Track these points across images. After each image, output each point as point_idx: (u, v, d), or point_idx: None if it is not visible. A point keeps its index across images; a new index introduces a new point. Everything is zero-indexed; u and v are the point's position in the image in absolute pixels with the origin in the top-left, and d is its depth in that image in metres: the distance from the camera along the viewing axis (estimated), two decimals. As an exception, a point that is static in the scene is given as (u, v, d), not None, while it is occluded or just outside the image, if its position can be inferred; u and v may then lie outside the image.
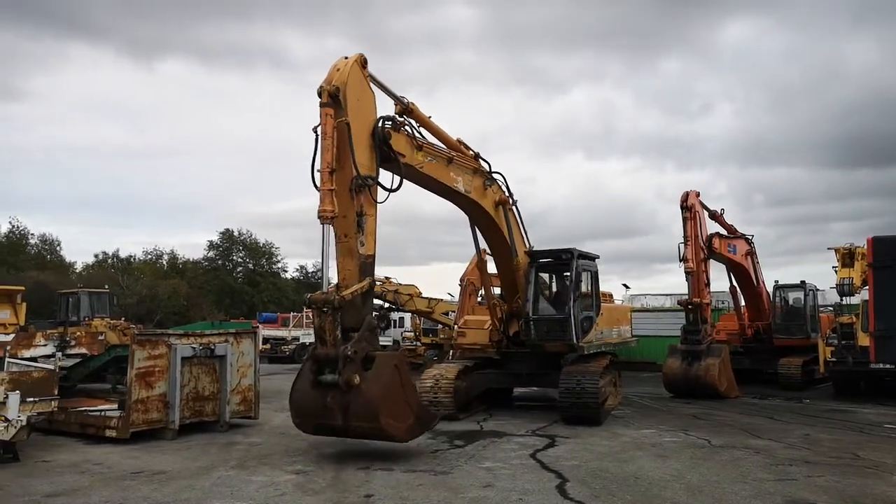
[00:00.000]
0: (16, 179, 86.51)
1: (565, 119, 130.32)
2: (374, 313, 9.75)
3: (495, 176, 12.65)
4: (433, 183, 11.13)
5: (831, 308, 21.14)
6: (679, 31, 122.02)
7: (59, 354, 14.12)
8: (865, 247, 15.65)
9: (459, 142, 11.91)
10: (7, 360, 12.17)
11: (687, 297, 16.71)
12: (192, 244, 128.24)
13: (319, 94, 8.86)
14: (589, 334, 13.66)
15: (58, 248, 60.72)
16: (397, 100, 10.46)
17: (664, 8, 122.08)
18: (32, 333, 15.90)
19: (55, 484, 7.93)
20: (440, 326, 23.97)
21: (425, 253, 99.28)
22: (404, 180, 9.95)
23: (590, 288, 14.30)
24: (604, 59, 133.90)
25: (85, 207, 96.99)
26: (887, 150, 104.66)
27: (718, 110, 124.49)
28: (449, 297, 24.09)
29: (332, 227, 8.85)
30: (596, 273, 14.65)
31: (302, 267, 71.04)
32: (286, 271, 68.93)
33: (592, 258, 14.57)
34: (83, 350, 15.23)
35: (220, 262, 63.65)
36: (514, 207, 13.29)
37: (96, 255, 63.68)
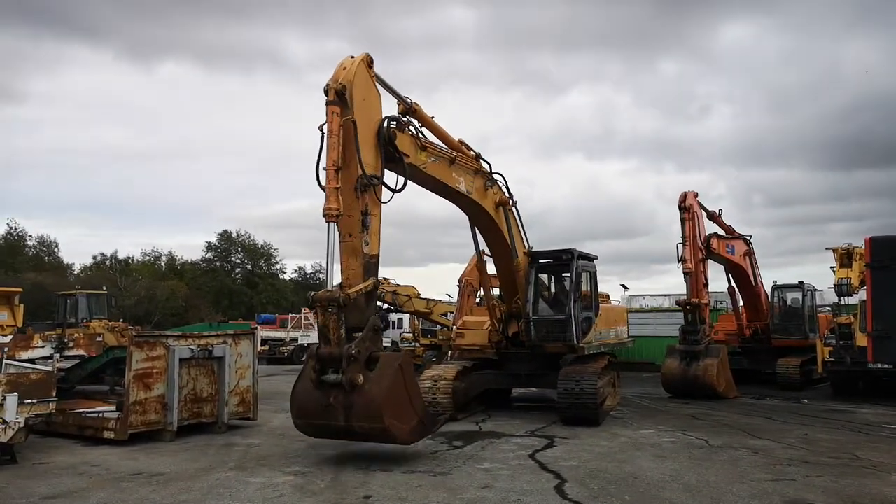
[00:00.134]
0: (15, 181, 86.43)
1: (565, 120, 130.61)
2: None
3: (496, 177, 12.67)
4: (436, 183, 11.12)
5: (829, 308, 21.20)
6: (678, 32, 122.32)
7: (57, 356, 14.13)
8: (863, 247, 15.67)
9: (461, 142, 11.92)
10: (5, 361, 12.15)
11: (685, 297, 16.71)
12: (191, 245, 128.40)
13: (326, 93, 8.86)
14: (588, 335, 13.68)
15: (56, 250, 60.65)
16: (401, 99, 10.46)
17: (663, 10, 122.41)
18: (30, 335, 15.87)
19: (53, 486, 7.92)
20: (439, 327, 23.92)
21: (423, 254, 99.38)
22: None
23: (589, 288, 14.32)
24: (603, 61, 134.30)
25: (83, 209, 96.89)
26: (885, 152, 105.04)
27: (717, 112, 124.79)
28: (447, 298, 24.09)
29: (336, 226, 8.79)
30: (595, 274, 14.67)
31: (300, 268, 71.08)
32: (284, 273, 68.90)
33: (591, 259, 14.60)
34: (81, 352, 15.21)
35: (218, 263, 63.50)
36: (514, 208, 13.30)
37: (94, 257, 63.43)
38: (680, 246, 16.63)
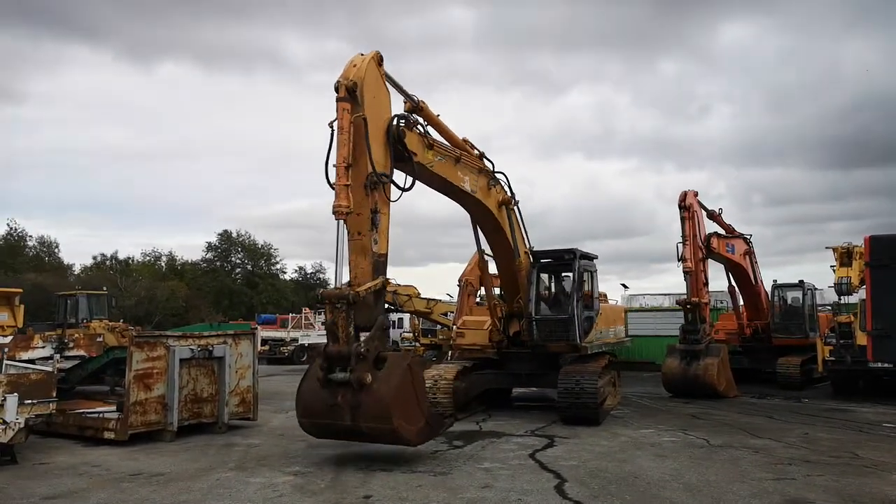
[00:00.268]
0: (15, 181, 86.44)
1: (565, 120, 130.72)
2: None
3: (498, 176, 12.67)
4: (441, 182, 11.10)
5: (829, 307, 21.18)
6: (678, 32, 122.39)
7: (57, 356, 14.10)
8: (863, 246, 15.65)
9: (465, 141, 11.92)
10: (5, 362, 12.14)
11: (685, 296, 16.71)
12: (191, 246, 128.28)
13: (336, 89, 8.82)
14: (590, 334, 13.69)
15: (56, 251, 60.59)
16: (409, 98, 10.45)
17: (663, 10, 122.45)
18: (31, 335, 15.84)
19: (53, 486, 7.92)
20: (439, 327, 23.93)
21: (423, 254, 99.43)
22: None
23: (590, 288, 14.32)
24: (603, 61, 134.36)
25: (83, 209, 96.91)
26: (884, 151, 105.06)
27: (717, 111, 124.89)
28: (447, 298, 24.09)
29: (345, 224, 8.73)
30: (595, 273, 14.67)
31: (301, 268, 70.93)
32: (285, 273, 68.81)
33: (592, 258, 14.60)
34: (81, 352, 15.17)
35: (218, 263, 63.48)
36: (516, 208, 13.29)
37: (95, 257, 63.44)
38: (680, 245, 16.62)
